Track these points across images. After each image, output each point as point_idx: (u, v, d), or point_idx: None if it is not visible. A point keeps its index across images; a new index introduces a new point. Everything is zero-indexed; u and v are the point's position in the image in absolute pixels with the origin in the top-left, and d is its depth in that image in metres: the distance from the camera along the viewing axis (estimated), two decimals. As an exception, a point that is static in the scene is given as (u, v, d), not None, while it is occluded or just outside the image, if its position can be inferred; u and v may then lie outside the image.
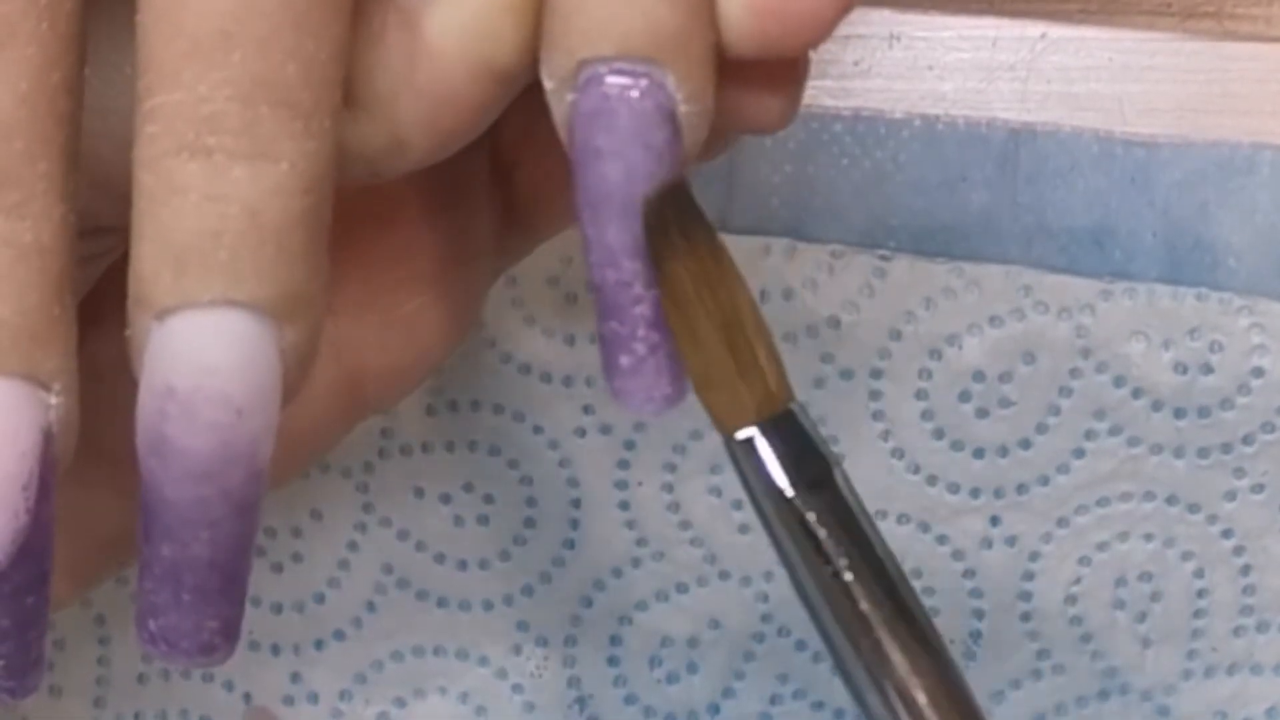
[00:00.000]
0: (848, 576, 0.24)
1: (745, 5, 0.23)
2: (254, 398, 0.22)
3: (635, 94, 0.23)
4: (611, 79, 0.22)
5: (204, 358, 0.21)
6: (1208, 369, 0.35)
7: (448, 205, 0.29)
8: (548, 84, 0.23)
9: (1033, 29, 0.35)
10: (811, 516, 0.24)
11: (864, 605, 0.24)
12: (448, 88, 0.23)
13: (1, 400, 0.22)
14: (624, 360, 0.24)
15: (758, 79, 0.24)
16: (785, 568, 0.25)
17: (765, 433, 0.24)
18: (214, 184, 0.21)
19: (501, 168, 0.29)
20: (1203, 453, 0.36)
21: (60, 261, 0.22)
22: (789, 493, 0.24)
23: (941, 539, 0.37)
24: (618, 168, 0.23)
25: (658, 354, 0.24)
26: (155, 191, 0.21)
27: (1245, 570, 0.37)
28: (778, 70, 0.24)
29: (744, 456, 0.24)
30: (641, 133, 0.23)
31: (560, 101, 0.23)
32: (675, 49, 0.22)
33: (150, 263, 0.21)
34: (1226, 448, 0.36)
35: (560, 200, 0.29)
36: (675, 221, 0.23)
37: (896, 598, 0.24)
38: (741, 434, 0.24)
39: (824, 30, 0.23)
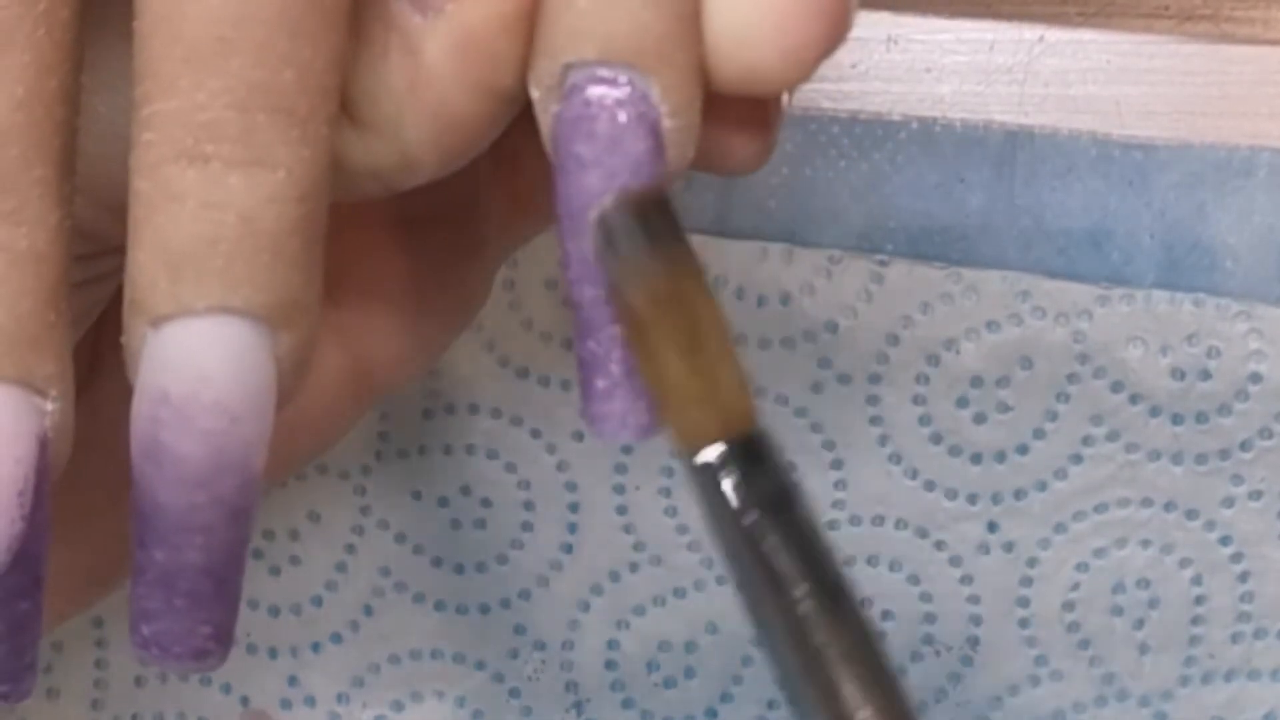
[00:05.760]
0: (803, 608, 0.23)
1: (739, 32, 0.23)
2: (248, 405, 0.22)
3: (617, 102, 0.22)
4: (594, 88, 0.22)
5: (199, 365, 0.21)
6: (1205, 374, 0.35)
7: (452, 191, 0.29)
8: (534, 93, 0.23)
9: (1030, 32, 0.35)
10: (768, 543, 0.23)
11: (819, 639, 0.23)
12: (451, 109, 0.23)
13: None
14: (599, 383, 0.23)
15: (735, 119, 0.24)
16: (741, 599, 0.23)
17: (723, 458, 0.23)
18: (211, 191, 0.21)
19: (505, 153, 0.29)
20: (1200, 459, 0.36)
21: (56, 268, 0.22)
22: (745, 519, 0.23)
23: (939, 545, 0.37)
24: (597, 177, 0.22)
25: (635, 379, 0.23)
26: (152, 198, 0.21)
27: (1243, 577, 0.37)
28: (756, 110, 0.24)
29: (701, 481, 0.23)
30: (622, 141, 0.22)
31: (545, 112, 0.23)
32: (660, 57, 0.22)
33: (147, 270, 0.21)
34: (1224, 454, 0.36)
35: None
36: (631, 235, 0.22)
37: (853, 632, 0.23)
38: (699, 458, 0.23)
39: (808, 69, 0.23)
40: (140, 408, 0.22)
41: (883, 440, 0.37)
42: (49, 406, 0.22)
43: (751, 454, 0.23)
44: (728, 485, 0.23)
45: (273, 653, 0.39)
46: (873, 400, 0.36)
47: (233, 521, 0.22)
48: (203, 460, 0.21)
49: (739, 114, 0.24)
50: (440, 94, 0.23)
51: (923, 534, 0.37)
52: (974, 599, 0.38)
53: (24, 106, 0.21)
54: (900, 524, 0.37)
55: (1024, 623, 0.38)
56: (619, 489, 0.38)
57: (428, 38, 0.22)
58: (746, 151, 0.24)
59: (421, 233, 0.29)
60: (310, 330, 0.22)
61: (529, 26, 0.22)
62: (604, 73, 0.22)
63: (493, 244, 0.30)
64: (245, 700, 0.40)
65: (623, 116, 0.22)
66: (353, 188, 0.23)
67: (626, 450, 0.37)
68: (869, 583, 0.38)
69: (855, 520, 0.37)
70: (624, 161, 0.22)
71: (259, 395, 0.22)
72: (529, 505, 0.38)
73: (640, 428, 0.23)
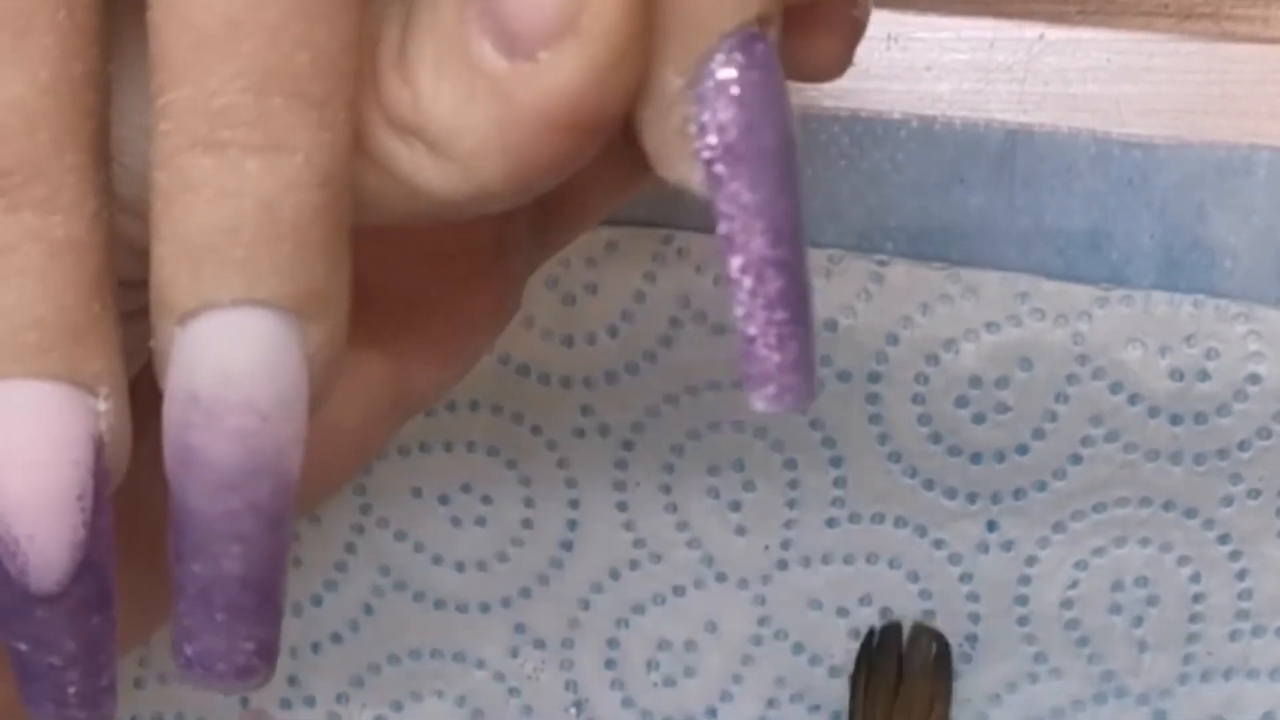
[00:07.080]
0: None
1: None
2: (279, 401, 0.21)
3: (766, 54, 0.22)
4: (746, 50, 0.22)
5: (225, 361, 0.21)
6: (1204, 375, 0.35)
7: None
8: (675, 83, 0.22)
9: (1030, 30, 0.35)
10: None
11: None
12: (539, 151, 0.21)
13: (45, 405, 0.21)
14: (761, 353, 0.22)
15: (824, 25, 0.24)
16: None
17: None
18: (228, 179, 0.20)
19: None
20: (1199, 459, 0.36)
21: (97, 257, 0.21)
22: None
23: (939, 543, 0.37)
24: (772, 133, 0.22)
25: (789, 347, 0.22)
26: (169, 190, 0.21)
27: (1241, 575, 0.37)
28: (844, 15, 0.24)
29: None
30: (778, 90, 0.22)
31: (687, 99, 0.22)
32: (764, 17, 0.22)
33: (168, 265, 0.21)
34: (1223, 454, 0.36)
35: (597, 192, 0.28)
36: None
37: None
38: None
39: None
40: (171, 412, 0.21)
41: (882, 439, 0.37)
42: (101, 406, 0.21)
43: None
44: None
45: (273, 651, 0.39)
46: (872, 399, 0.36)
47: (269, 528, 0.21)
48: (235, 462, 0.21)
49: (828, 20, 0.24)
50: (534, 137, 0.21)
51: (922, 532, 0.37)
52: (973, 597, 0.38)
53: (50, 91, 0.20)
54: (900, 522, 0.37)
55: (1023, 620, 0.38)
56: (619, 486, 0.38)
57: (520, 86, 0.21)
58: (834, 55, 0.25)
59: (457, 239, 0.29)
60: (339, 324, 0.21)
61: (633, 65, 0.21)
62: (753, 31, 0.22)
63: (525, 250, 0.30)
64: (245, 700, 0.40)
65: (772, 65, 0.22)
66: (429, 215, 0.22)
67: (627, 447, 0.37)
68: (868, 581, 0.38)
69: (855, 518, 0.37)
70: (781, 107, 0.22)
71: (290, 391, 0.21)
72: (529, 502, 0.38)
73: (798, 395, 0.22)
